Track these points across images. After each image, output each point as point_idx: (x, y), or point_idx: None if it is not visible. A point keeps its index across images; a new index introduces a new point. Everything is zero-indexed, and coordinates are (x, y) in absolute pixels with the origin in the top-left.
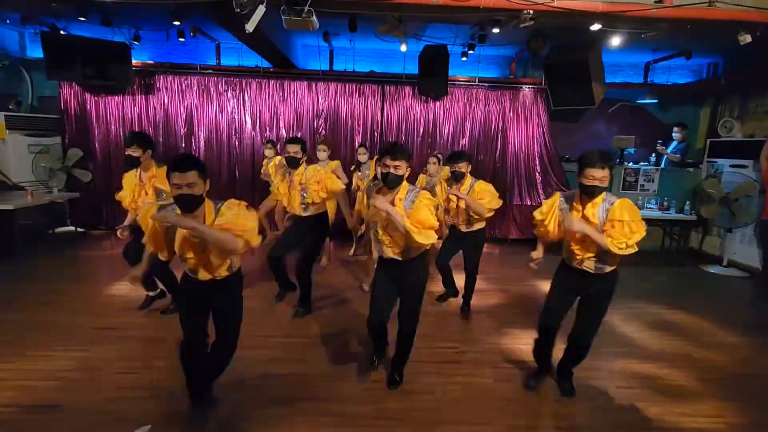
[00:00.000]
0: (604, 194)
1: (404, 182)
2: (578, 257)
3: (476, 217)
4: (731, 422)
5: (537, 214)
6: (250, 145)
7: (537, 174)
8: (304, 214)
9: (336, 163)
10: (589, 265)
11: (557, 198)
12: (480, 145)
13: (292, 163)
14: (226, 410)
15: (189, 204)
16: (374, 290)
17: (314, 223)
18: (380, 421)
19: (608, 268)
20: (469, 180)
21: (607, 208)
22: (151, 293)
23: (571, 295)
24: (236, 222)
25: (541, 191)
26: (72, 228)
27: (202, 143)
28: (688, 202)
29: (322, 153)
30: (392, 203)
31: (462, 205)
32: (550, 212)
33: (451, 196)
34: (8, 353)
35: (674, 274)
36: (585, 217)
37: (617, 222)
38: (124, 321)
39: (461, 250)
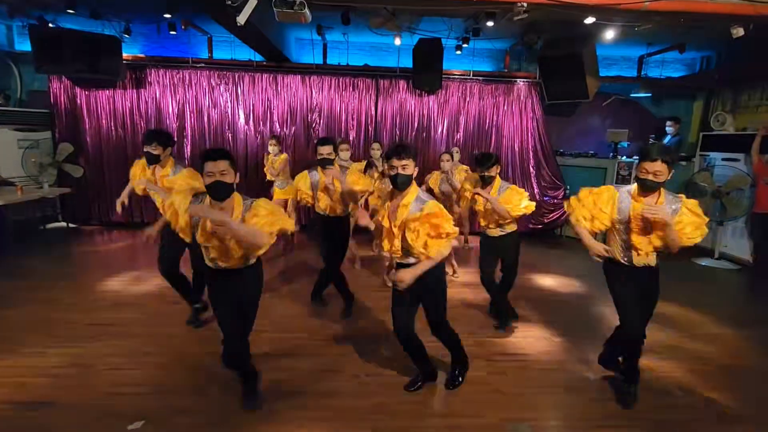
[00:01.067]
0: (664, 193)
1: (413, 185)
2: (641, 253)
3: (504, 220)
4: (722, 413)
5: (597, 210)
6: (244, 140)
7: (531, 168)
8: (331, 215)
9: (361, 165)
10: (652, 260)
11: (613, 194)
12: (474, 139)
13: (326, 164)
14: (221, 404)
15: (221, 191)
16: (393, 306)
17: (339, 223)
18: (374, 415)
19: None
20: (498, 183)
21: (675, 210)
22: (197, 305)
23: (638, 298)
24: (270, 222)
25: (535, 185)
26: (63, 224)
27: (194, 137)
28: None
29: (345, 153)
30: (397, 208)
31: (488, 206)
32: (610, 205)
33: (478, 198)
34: (1, 350)
35: (665, 267)
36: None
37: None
38: (117, 317)
39: (500, 258)
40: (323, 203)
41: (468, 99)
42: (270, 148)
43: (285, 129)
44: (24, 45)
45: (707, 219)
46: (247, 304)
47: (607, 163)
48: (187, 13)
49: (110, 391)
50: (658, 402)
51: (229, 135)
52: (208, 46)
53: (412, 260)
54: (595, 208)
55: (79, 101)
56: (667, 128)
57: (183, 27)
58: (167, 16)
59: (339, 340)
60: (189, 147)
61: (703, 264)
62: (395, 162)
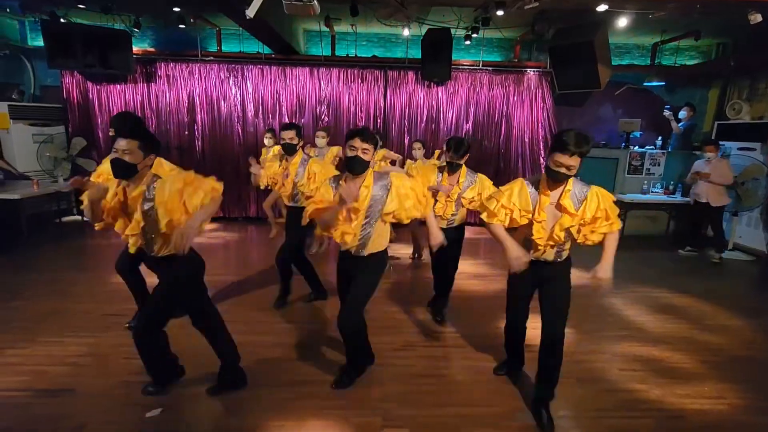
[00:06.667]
0: (572, 182)
1: (370, 168)
2: (540, 249)
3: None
4: (733, 404)
5: (503, 208)
6: (253, 133)
7: (541, 159)
8: (292, 204)
9: (337, 149)
10: (549, 255)
11: (523, 186)
12: (484, 130)
13: (289, 150)
14: (234, 394)
15: (119, 169)
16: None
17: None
18: (385, 404)
19: (565, 254)
20: (464, 170)
21: (581, 198)
22: None
23: (531, 288)
24: (172, 200)
25: None
26: (78, 217)
27: (205, 130)
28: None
29: (321, 140)
30: (358, 191)
31: (453, 197)
32: (519, 202)
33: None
34: (21, 339)
35: (679, 258)
36: (561, 207)
37: (600, 211)
38: (131, 308)
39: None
40: (288, 191)
41: (477, 89)
42: (266, 141)
43: (294, 121)
44: (37, 41)
45: (617, 215)
46: (170, 287)
47: (618, 153)
48: (196, 7)
49: (128, 379)
50: (670, 392)
51: (239, 127)
52: (217, 39)
53: (364, 252)
54: (510, 202)
55: (91, 96)
56: (680, 113)
57: (192, 20)
58: (176, 9)
59: None
60: (200, 141)
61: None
62: (357, 143)
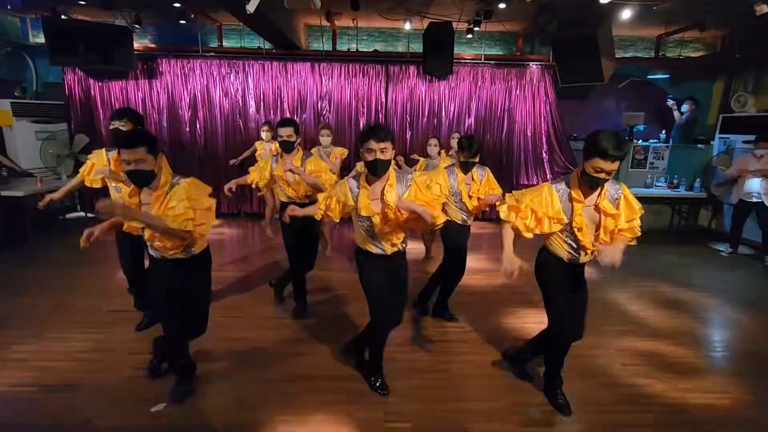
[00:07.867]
0: (606, 184)
1: (392, 168)
2: (589, 252)
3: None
4: (737, 398)
5: (544, 220)
6: (255, 128)
7: (544, 153)
8: (297, 202)
9: (343, 151)
10: (589, 258)
11: (552, 193)
12: (486, 124)
13: (287, 147)
14: (238, 388)
15: (141, 180)
16: (380, 290)
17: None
18: (389, 399)
19: None
20: (475, 168)
21: (616, 198)
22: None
23: (571, 294)
24: (183, 213)
25: (548, 170)
26: (82, 213)
27: (206, 126)
28: (698, 180)
29: (326, 138)
30: (382, 192)
31: (474, 197)
32: (550, 210)
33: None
34: (27, 335)
35: (682, 253)
36: (600, 209)
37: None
38: None
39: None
40: (288, 190)
41: (479, 84)
42: (263, 134)
43: (296, 117)
44: (38, 38)
45: (641, 212)
46: (191, 298)
47: None
48: (196, 2)
49: (133, 374)
50: (673, 386)
51: (241, 123)
52: (218, 35)
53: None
54: (540, 210)
55: (93, 92)
56: (683, 106)
57: (193, 16)
58: (177, 5)
59: (352, 326)
60: (201, 136)
61: (721, 249)
62: (373, 145)
